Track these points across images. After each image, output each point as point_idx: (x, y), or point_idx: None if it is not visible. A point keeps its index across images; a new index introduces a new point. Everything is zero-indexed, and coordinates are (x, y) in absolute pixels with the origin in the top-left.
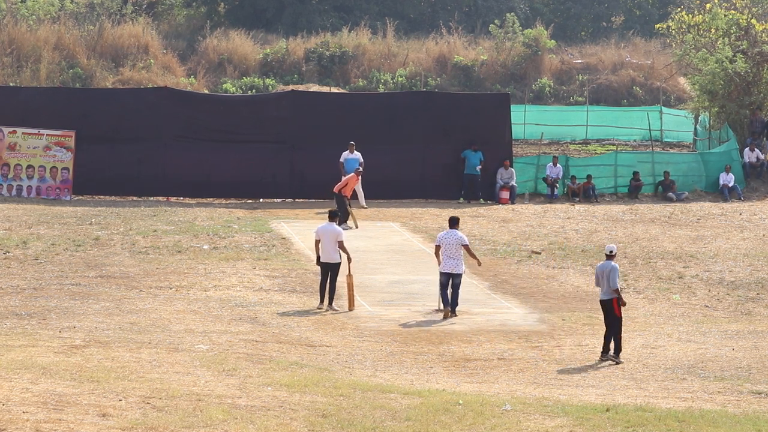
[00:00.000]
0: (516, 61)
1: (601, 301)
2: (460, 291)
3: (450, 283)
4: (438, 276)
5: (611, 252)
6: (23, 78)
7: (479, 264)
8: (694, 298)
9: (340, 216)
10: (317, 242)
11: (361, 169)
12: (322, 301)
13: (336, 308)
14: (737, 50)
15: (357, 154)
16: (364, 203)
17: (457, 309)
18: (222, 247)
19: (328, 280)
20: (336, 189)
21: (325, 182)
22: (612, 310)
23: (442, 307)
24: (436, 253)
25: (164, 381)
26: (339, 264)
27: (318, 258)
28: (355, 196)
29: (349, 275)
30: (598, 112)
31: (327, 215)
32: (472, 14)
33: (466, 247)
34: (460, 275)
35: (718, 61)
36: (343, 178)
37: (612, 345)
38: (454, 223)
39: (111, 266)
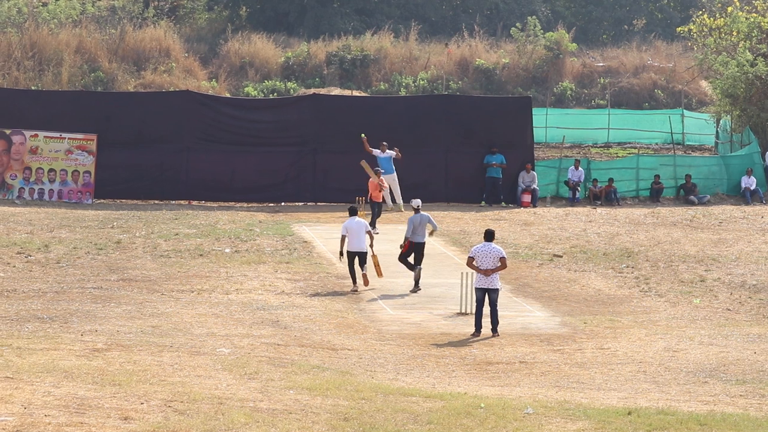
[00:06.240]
0: (537, 64)
1: (419, 243)
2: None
3: (487, 299)
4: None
5: (418, 206)
6: (45, 81)
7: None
8: (715, 301)
9: (371, 220)
10: (343, 237)
11: (381, 171)
12: (355, 282)
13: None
14: (758, 53)
15: (389, 153)
16: (391, 203)
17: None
18: (244, 251)
19: (356, 264)
20: (368, 198)
21: (347, 186)
22: (422, 250)
23: (474, 330)
24: (470, 265)
25: (186, 384)
26: (366, 252)
27: (341, 252)
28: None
29: (374, 255)
30: (620, 115)
31: (348, 212)
32: (494, 17)
33: (502, 260)
34: (497, 291)
35: (739, 64)
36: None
37: (414, 280)
38: (490, 236)
39: (133, 269)
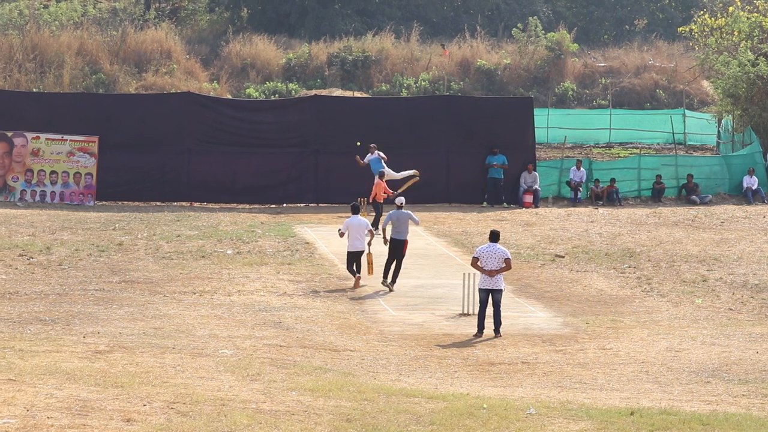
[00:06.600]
0: (539, 64)
1: (401, 241)
2: (501, 309)
3: (490, 300)
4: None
5: (401, 204)
6: (46, 83)
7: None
8: (718, 301)
9: (373, 220)
10: (342, 234)
11: (383, 171)
12: (354, 276)
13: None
14: (759, 53)
15: (377, 154)
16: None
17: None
18: (246, 252)
19: (355, 263)
20: (371, 198)
21: (349, 187)
22: (404, 248)
23: (476, 331)
24: (474, 266)
25: (188, 386)
26: (364, 251)
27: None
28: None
29: (369, 253)
30: (622, 115)
31: (351, 210)
32: (495, 18)
33: (507, 261)
34: (501, 291)
35: (741, 64)
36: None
37: (392, 275)
38: (495, 237)
39: (135, 271)
